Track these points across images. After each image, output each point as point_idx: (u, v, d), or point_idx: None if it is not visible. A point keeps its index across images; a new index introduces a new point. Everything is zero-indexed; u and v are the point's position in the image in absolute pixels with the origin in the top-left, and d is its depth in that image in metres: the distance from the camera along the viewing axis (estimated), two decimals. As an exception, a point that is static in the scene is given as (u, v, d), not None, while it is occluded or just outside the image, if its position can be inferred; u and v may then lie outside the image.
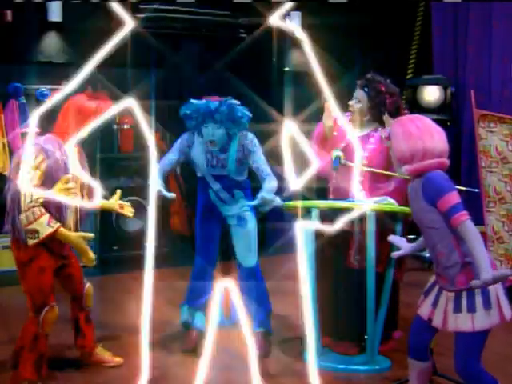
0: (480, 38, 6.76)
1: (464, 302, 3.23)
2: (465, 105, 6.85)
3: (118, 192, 4.49)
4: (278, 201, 4.22)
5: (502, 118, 6.13)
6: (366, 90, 4.51)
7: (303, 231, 4.36)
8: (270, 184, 4.47)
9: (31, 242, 3.79)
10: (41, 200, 3.75)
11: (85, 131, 3.84)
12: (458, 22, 7.00)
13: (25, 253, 3.90)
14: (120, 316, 5.68)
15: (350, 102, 4.58)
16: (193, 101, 4.49)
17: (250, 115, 4.53)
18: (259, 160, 4.57)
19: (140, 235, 7.73)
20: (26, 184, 3.70)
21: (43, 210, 3.75)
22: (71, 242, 3.91)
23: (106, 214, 7.46)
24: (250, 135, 4.61)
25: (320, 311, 4.60)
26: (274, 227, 8.27)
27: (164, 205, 7.85)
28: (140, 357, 4.62)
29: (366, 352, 4.38)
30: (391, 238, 3.71)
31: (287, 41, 8.87)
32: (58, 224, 3.80)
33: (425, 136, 3.25)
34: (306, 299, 4.46)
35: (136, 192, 7.68)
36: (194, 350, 4.72)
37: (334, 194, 4.72)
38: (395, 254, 3.70)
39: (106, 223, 7.54)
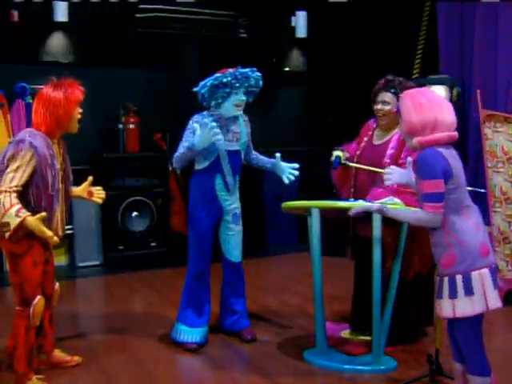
0: (486, 38, 6.73)
1: (446, 287, 3.23)
2: (471, 105, 6.84)
3: (90, 178, 4.45)
4: None
5: (509, 117, 6.12)
6: (392, 90, 4.47)
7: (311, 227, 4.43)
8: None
9: (6, 234, 3.75)
10: (14, 188, 3.75)
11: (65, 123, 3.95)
12: (464, 21, 6.97)
13: (19, 245, 3.87)
14: (125, 315, 5.70)
15: (378, 107, 4.54)
16: (228, 70, 4.65)
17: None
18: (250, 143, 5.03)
19: (145, 235, 7.76)
20: (8, 184, 3.73)
21: (14, 200, 3.73)
22: (34, 228, 3.75)
23: (111, 214, 7.49)
24: (247, 116, 4.96)
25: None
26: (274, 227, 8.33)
27: (165, 205, 7.89)
28: (144, 353, 4.68)
29: (371, 352, 4.38)
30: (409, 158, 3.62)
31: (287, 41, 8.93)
32: (26, 213, 3.73)
33: (435, 107, 3.25)
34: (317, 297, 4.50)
35: (141, 192, 7.70)
36: (195, 350, 4.76)
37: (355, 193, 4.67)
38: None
39: (111, 223, 7.55)
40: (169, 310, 5.65)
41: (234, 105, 4.69)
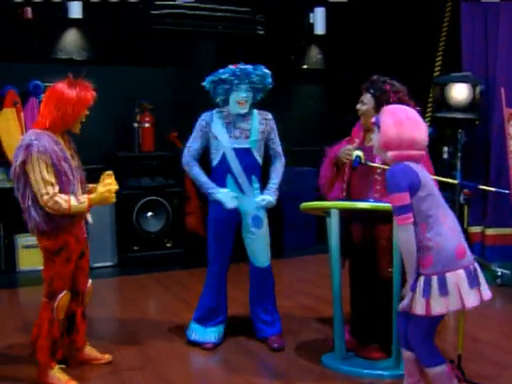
0: (511, 35, 6.69)
1: (420, 286, 3.43)
2: (494, 103, 6.79)
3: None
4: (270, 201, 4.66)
5: (533, 116, 6.08)
6: (371, 91, 4.52)
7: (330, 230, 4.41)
8: (277, 175, 4.84)
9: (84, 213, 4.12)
10: (52, 193, 3.90)
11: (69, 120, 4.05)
12: (488, 17, 6.93)
13: (55, 242, 4.02)
14: (139, 317, 5.71)
15: (357, 106, 4.59)
16: (229, 66, 4.69)
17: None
18: (276, 141, 4.88)
19: (160, 235, 7.76)
20: (44, 190, 3.88)
21: (64, 196, 3.92)
22: (100, 200, 4.05)
23: (125, 214, 7.50)
24: (270, 114, 4.87)
25: (350, 315, 4.61)
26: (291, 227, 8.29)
27: (181, 205, 7.87)
28: (159, 356, 4.68)
29: (391, 357, 4.35)
30: None
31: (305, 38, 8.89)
32: (85, 196, 4.01)
33: (414, 127, 3.51)
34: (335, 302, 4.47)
35: (157, 191, 7.70)
36: (211, 349, 4.80)
37: (348, 197, 4.66)
38: None
39: (125, 223, 7.56)
40: (184, 313, 5.64)
41: (235, 102, 4.70)
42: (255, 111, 4.81)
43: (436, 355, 3.54)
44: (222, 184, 4.75)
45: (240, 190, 4.74)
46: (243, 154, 4.71)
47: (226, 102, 4.79)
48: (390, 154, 3.50)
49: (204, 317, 4.89)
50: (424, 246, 3.42)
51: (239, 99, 4.68)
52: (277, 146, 4.88)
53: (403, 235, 3.44)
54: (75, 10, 7.33)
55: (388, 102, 4.40)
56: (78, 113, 4.05)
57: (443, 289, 3.36)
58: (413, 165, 3.48)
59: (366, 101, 4.54)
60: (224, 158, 4.73)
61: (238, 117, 4.74)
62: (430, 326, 3.52)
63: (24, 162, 3.90)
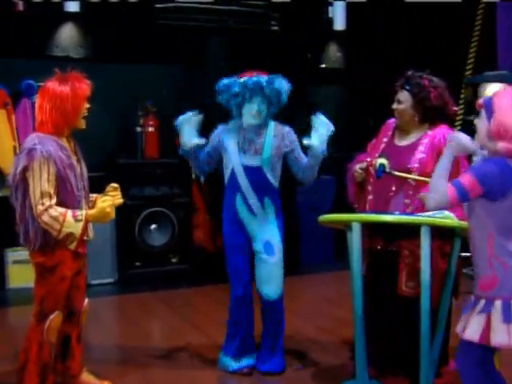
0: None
1: (480, 309, 3.24)
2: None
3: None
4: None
5: None
6: (407, 88, 4.42)
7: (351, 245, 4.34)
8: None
9: (72, 245, 3.99)
10: (48, 203, 3.88)
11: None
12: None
13: (51, 258, 4.01)
14: (142, 340, 5.66)
15: (393, 106, 4.50)
16: (237, 78, 4.66)
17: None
18: (301, 152, 4.76)
19: (165, 250, 7.71)
20: (40, 200, 3.86)
21: (58, 208, 3.88)
22: (100, 217, 4.02)
23: (127, 226, 7.46)
24: (288, 127, 4.78)
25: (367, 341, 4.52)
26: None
27: (187, 217, 7.83)
28: (163, 382, 4.64)
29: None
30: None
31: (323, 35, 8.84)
32: (83, 212, 3.96)
33: None
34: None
35: (161, 202, 7.67)
36: (250, 374, 4.81)
37: (371, 208, 4.59)
38: None
39: (127, 236, 7.52)
40: (191, 334, 5.61)
41: (248, 113, 4.67)
42: (272, 123, 4.76)
43: None
44: (231, 203, 4.74)
45: (251, 212, 4.70)
46: (253, 173, 4.66)
47: (238, 114, 4.76)
48: (502, 145, 3.18)
49: (238, 351, 4.86)
50: (489, 264, 3.24)
51: (251, 111, 4.64)
52: (302, 156, 4.76)
53: (438, 193, 3.23)
54: (72, 3, 7.31)
55: (428, 99, 4.34)
56: (78, 107, 4.05)
57: (507, 315, 3.16)
58: None
59: (403, 99, 4.44)
60: (233, 174, 4.71)
61: (251, 130, 4.69)
62: (482, 357, 3.31)
63: (25, 169, 3.89)
